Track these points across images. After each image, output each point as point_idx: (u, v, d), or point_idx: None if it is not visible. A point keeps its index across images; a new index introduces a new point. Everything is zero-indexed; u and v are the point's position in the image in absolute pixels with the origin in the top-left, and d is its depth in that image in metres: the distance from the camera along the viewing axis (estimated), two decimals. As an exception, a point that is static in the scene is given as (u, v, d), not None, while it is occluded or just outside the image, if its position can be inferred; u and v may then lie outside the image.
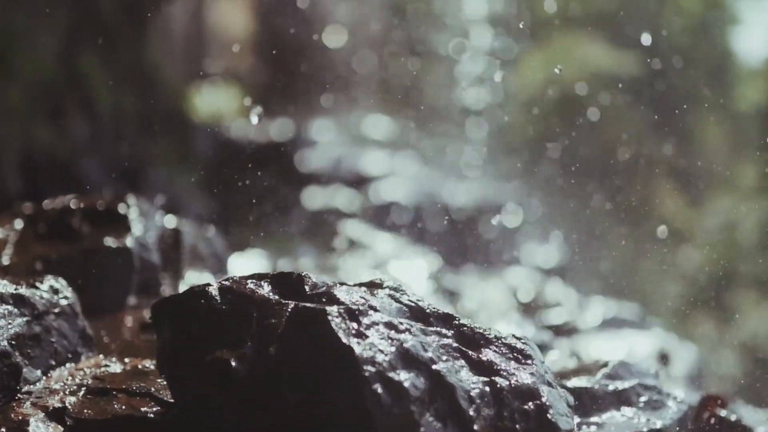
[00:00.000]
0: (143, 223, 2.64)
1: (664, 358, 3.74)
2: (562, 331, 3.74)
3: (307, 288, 1.63)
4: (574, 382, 1.81)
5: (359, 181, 7.13)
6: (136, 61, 7.08)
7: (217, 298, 1.59)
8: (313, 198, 6.61)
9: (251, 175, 6.70)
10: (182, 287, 2.68)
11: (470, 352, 1.48)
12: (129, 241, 2.49)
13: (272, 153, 6.94)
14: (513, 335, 1.57)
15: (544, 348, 2.62)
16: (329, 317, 1.45)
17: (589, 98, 15.16)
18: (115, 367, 1.87)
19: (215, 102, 9.33)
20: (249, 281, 1.64)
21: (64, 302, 1.94)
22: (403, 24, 12.80)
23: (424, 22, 12.28)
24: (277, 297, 1.56)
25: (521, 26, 14.15)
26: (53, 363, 1.86)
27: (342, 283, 1.66)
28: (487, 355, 1.47)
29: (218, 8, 12.85)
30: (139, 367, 1.85)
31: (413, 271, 3.31)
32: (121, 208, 2.63)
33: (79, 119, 5.80)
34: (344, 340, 1.40)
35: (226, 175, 6.60)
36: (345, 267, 3.22)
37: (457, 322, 1.55)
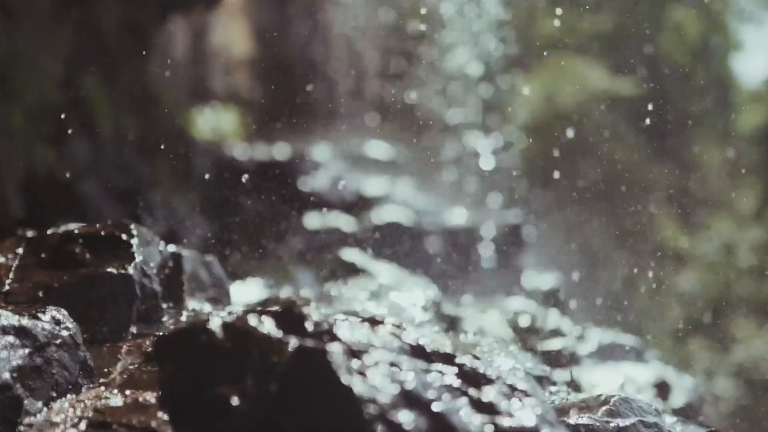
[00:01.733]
0: (145, 250, 2.65)
1: (663, 389, 3.74)
2: (561, 360, 3.74)
3: (308, 325, 1.64)
4: (575, 419, 1.81)
5: (359, 205, 7.15)
6: (137, 83, 7.11)
7: (219, 334, 1.60)
8: (313, 221, 6.62)
9: (251, 198, 6.72)
10: (183, 316, 2.69)
11: (471, 392, 1.48)
12: (131, 269, 2.49)
13: (272, 176, 6.95)
14: (514, 372, 1.57)
15: (543, 380, 2.62)
16: (330, 357, 1.45)
17: (589, 121, 15.23)
18: (116, 400, 1.87)
19: (216, 124, 9.37)
20: (250, 317, 1.65)
21: (65, 333, 1.94)
22: (403, 47, 12.85)
23: (424, 46, 12.34)
24: (278, 334, 1.57)
25: (522, 50, 14.23)
26: (54, 395, 1.86)
27: (344, 318, 1.66)
28: (489, 394, 1.48)
29: (219, 32, 12.91)
30: (140, 400, 1.85)
31: (412, 299, 3.30)
32: (123, 236, 2.64)
33: (81, 142, 5.82)
34: (345, 381, 1.41)
35: (227, 198, 6.62)
36: (345, 295, 3.21)
37: (458, 361, 1.56)
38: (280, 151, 8.23)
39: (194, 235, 5.88)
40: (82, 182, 5.53)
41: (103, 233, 2.64)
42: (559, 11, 15.97)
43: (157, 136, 7.18)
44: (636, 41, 16.04)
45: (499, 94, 12.95)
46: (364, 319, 1.74)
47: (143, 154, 6.56)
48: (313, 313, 1.68)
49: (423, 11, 12.45)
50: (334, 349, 1.48)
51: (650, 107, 15.55)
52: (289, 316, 1.69)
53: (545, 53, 15.95)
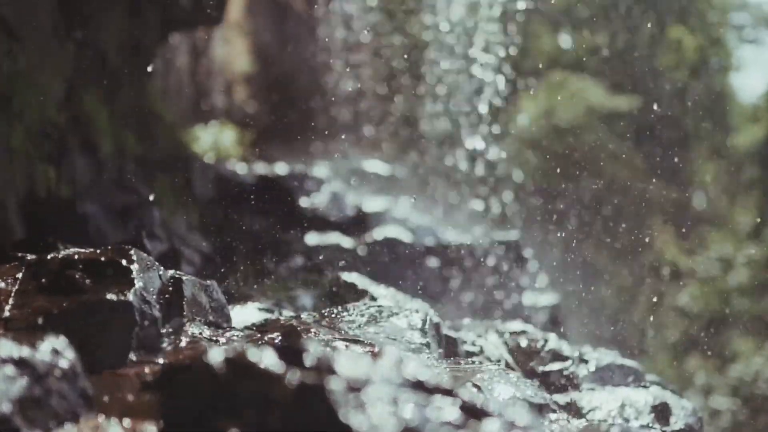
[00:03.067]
0: (145, 276, 2.65)
1: (662, 411, 3.73)
2: (560, 383, 3.74)
3: (307, 357, 1.64)
4: (574, 451, 1.81)
5: (358, 222, 7.16)
6: (138, 102, 7.13)
7: (219, 368, 1.61)
8: (313, 239, 6.63)
9: (251, 217, 6.74)
10: (183, 342, 2.69)
11: (472, 427, 1.48)
12: (130, 296, 2.50)
13: (272, 194, 6.97)
14: (515, 403, 1.58)
15: (543, 407, 2.62)
16: (329, 393, 1.46)
17: (588, 137, 15.26)
18: (116, 430, 1.87)
19: (216, 143, 9.40)
20: (250, 351, 1.65)
21: (64, 364, 1.94)
22: (402, 63, 12.89)
23: (423, 61, 12.38)
24: (278, 369, 1.58)
25: (522, 67, 14.27)
26: (53, 426, 1.86)
27: (345, 347, 1.67)
28: (489, 430, 1.48)
29: (220, 51, 12.96)
30: (139, 431, 1.85)
31: (410, 322, 3.30)
32: (123, 261, 2.64)
33: (81, 160, 5.83)
34: (342, 417, 1.42)
35: (227, 216, 6.64)
36: (344, 318, 3.22)
37: (458, 395, 1.56)
38: (281, 168, 8.24)
39: (195, 254, 5.88)
40: (83, 201, 5.54)
41: (103, 259, 2.65)
42: (559, 29, 16.05)
43: (158, 154, 7.20)
44: (635, 58, 16.09)
45: (499, 109, 12.97)
46: (364, 346, 1.75)
47: (144, 172, 6.57)
48: (312, 347, 1.68)
49: (423, 27, 12.49)
50: (333, 385, 1.49)
51: (649, 124, 15.60)
52: (289, 349, 1.70)
53: (545, 70, 16.01)
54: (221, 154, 9.23)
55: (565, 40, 16.21)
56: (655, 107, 15.68)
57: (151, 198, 6.15)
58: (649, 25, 15.63)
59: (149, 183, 6.38)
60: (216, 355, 1.66)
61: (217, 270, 5.67)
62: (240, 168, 7.88)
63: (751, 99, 18.75)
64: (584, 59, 16.12)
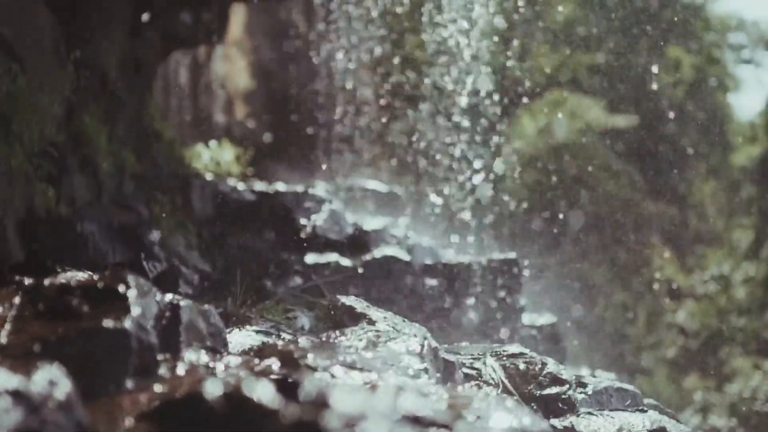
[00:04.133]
0: (142, 301, 2.65)
1: (661, 437, 3.73)
2: (559, 408, 3.74)
3: (303, 392, 1.64)
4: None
5: (357, 242, 7.16)
6: (138, 121, 7.15)
7: (215, 401, 1.61)
8: (312, 259, 6.63)
9: (250, 236, 6.74)
10: (180, 368, 2.68)
11: (466, 465, 1.48)
12: (127, 323, 2.50)
13: (271, 213, 6.98)
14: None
15: (540, 435, 2.61)
16: (324, 429, 1.46)
17: (585, 156, 15.29)
18: (111, 462, 1.87)
19: (216, 161, 9.41)
20: (246, 384, 1.66)
21: (60, 394, 1.94)
22: (400, 82, 12.93)
23: (422, 82, 12.42)
24: (274, 403, 1.58)
25: (521, 85, 14.31)
26: (49, 456, 1.86)
27: (342, 377, 1.67)
28: (483, 468, 1.48)
29: (220, 70, 13.00)
30: (135, 462, 1.85)
31: (408, 347, 3.30)
32: (121, 288, 2.64)
33: (81, 180, 5.84)
34: (340, 455, 1.42)
35: (225, 236, 6.64)
36: (342, 343, 3.21)
37: (453, 428, 1.56)
38: (280, 187, 8.25)
39: (194, 273, 5.88)
40: (82, 220, 5.54)
41: (100, 285, 2.65)
42: (557, 47, 16.11)
43: (157, 173, 7.21)
44: (633, 77, 16.14)
45: (498, 128, 13.00)
46: (362, 379, 1.75)
47: (143, 191, 6.58)
48: (308, 380, 1.68)
49: (422, 46, 12.53)
50: (330, 421, 1.48)
51: (647, 142, 15.63)
52: (285, 382, 1.70)
53: (544, 88, 16.05)
54: (220, 172, 9.24)
55: (563, 59, 16.26)
56: (653, 126, 15.72)
57: (150, 217, 6.16)
58: (647, 45, 15.68)
59: (148, 202, 6.39)
60: (213, 389, 1.66)
61: (215, 290, 5.67)
62: (239, 186, 7.89)
63: (749, 118, 18.81)
64: (583, 78, 16.17)
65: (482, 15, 10.56)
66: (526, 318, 7.32)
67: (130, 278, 2.71)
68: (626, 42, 14.92)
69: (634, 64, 15.53)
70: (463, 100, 11.01)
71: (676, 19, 16.90)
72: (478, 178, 10.90)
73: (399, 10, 12.66)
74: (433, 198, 10.45)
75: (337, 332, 3.42)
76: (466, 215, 10.24)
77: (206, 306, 3.11)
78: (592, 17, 15.24)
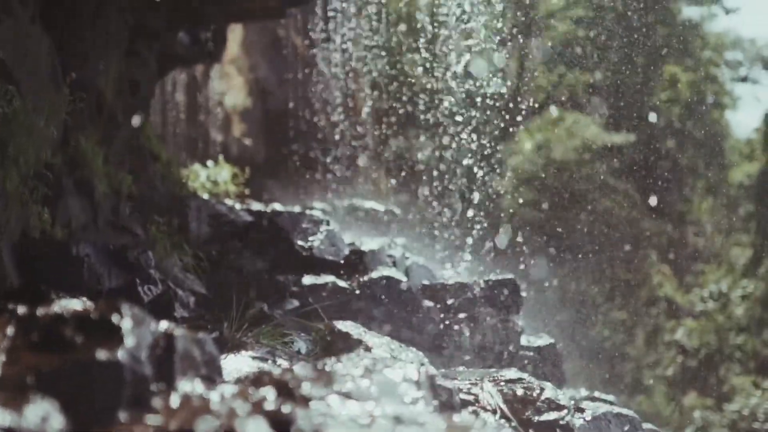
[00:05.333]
0: (136, 331, 2.63)
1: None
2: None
3: (297, 428, 1.63)
4: None
5: (355, 263, 7.14)
6: (134, 141, 7.14)
7: (208, 442, 1.58)
8: (308, 281, 6.60)
9: (247, 257, 6.72)
10: (174, 399, 2.66)
11: None
12: (121, 355, 2.47)
13: (268, 234, 6.95)
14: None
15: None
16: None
17: (583, 173, 15.30)
18: (103, 500, 1.84)
19: (213, 181, 9.40)
20: (239, 420, 1.64)
21: (53, 431, 1.92)
22: (399, 99, 12.94)
23: (420, 101, 12.44)
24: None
25: (517, 103, 14.35)
26: (40, 495, 1.84)
27: (339, 397, 1.64)
28: None
29: (218, 89, 13.01)
30: (127, 501, 1.82)
31: (404, 375, 3.27)
32: (114, 318, 2.62)
33: (76, 202, 5.82)
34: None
35: (222, 257, 6.62)
36: (338, 371, 3.19)
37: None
38: (277, 207, 8.24)
39: (190, 296, 5.86)
40: (77, 243, 5.51)
41: (94, 315, 2.62)
42: (555, 65, 16.14)
43: (154, 194, 7.19)
44: (631, 95, 16.17)
45: (496, 145, 13.01)
46: (358, 412, 1.72)
47: (139, 213, 6.56)
48: (302, 418, 1.66)
49: (420, 65, 12.55)
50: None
51: (644, 159, 15.64)
52: (279, 418, 1.69)
53: (542, 106, 16.08)
54: (217, 191, 9.22)
55: (561, 76, 16.30)
56: (650, 143, 15.74)
57: (146, 239, 6.14)
58: (644, 62, 15.73)
59: (145, 223, 6.37)
60: (205, 426, 1.64)
61: (211, 312, 5.65)
62: (236, 207, 7.87)
63: (746, 135, 18.86)
64: (580, 95, 16.20)
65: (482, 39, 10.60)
66: (525, 339, 7.29)
67: (125, 308, 2.68)
68: (623, 60, 14.97)
69: (631, 81, 15.56)
70: (462, 119, 11.03)
71: (673, 36, 16.97)
72: (475, 196, 10.90)
73: (396, 29, 12.70)
74: (431, 217, 10.44)
75: (333, 359, 3.40)
76: (464, 234, 10.23)
77: (201, 334, 3.08)
78: (590, 35, 15.29)
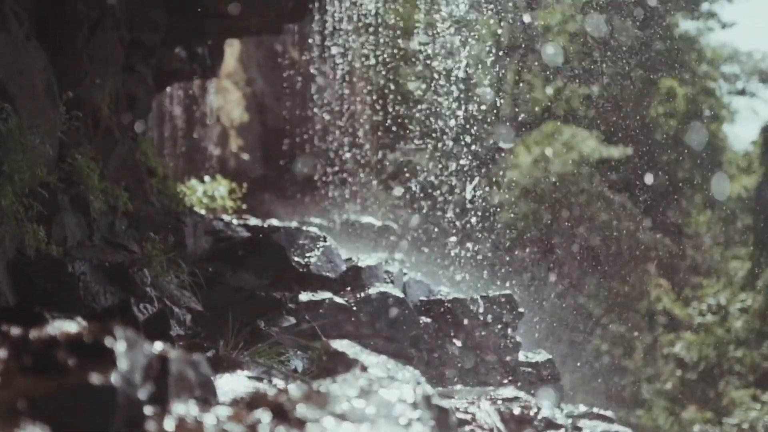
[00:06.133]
0: (130, 355, 2.61)
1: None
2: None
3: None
4: None
5: (351, 279, 7.11)
6: (131, 158, 7.13)
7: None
8: (305, 297, 6.58)
9: (243, 274, 6.69)
10: (168, 422, 2.64)
11: None
12: (114, 379, 2.45)
13: (265, 252, 6.93)
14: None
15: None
16: None
17: (580, 187, 15.30)
18: None
19: (210, 196, 9.38)
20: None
21: (44, 459, 1.90)
22: (396, 116, 12.95)
23: (417, 115, 12.44)
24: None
25: (517, 116, 14.37)
26: None
27: (335, 419, 1.61)
28: None
29: (215, 104, 13.01)
30: None
31: (401, 395, 3.26)
32: (108, 341, 2.60)
33: (72, 220, 5.81)
34: None
35: (218, 274, 6.59)
36: (334, 392, 3.17)
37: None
38: (274, 223, 8.22)
39: (186, 313, 5.83)
40: (73, 260, 5.49)
41: (87, 339, 2.60)
42: (552, 79, 16.17)
43: (150, 210, 7.17)
44: (627, 108, 16.19)
45: (493, 159, 13.02)
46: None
47: (136, 229, 6.54)
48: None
49: (417, 78, 12.56)
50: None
51: (642, 173, 15.65)
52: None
53: (539, 120, 16.10)
54: (214, 206, 9.21)
55: (559, 90, 16.34)
56: (647, 157, 15.77)
57: (142, 256, 6.11)
58: (641, 76, 15.76)
59: (141, 240, 6.35)
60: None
61: (208, 329, 5.62)
62: (233, 223, 7.85)
63: (744, 148, 18.90)
64: (577, 109, 16.23)
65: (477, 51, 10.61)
66: (523, 355, 7.26)
67: (118, 330, 2.66)
68: (620, 73, 15.00)
69: (628, 95, 15.59)
70: (459, 132, 11.04)
71: (670, 50, 17.01)
72: (473, 211, 10.89)
73: (394, 42, 12.72)
74: (428, 231, 10.43)
75: (329, 380, 3.38)
76: (462, 248, 10.22)
77: (195, 355, 3.06)
78: (587, 49, 15.32)
